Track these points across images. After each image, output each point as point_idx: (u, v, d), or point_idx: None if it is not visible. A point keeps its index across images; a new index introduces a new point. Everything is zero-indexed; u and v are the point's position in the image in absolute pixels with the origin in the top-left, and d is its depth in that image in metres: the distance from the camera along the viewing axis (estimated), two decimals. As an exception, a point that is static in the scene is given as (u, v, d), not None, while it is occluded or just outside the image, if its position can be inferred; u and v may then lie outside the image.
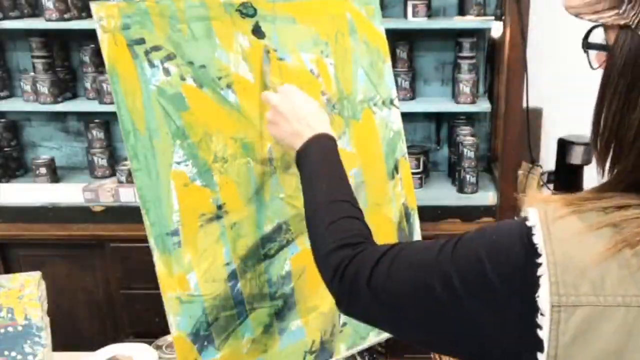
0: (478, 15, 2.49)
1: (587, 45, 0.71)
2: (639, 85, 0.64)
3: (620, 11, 0.65)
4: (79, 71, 2.78)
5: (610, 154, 0.69)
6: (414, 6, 2.46)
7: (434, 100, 2.70)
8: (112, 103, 2.02)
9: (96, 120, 2.73)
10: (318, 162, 1.07)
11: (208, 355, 1.21)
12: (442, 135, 2.87)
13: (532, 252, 0.65)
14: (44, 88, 2.60)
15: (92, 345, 1.61)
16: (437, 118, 2.84)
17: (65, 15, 2.50)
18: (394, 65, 2.55)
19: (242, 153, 1.24)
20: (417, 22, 2.48)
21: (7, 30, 2.62)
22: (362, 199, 1.44)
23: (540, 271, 0.64)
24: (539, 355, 0.63)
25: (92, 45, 2.64)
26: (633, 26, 0.64)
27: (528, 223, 0.67)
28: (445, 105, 2.64)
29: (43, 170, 2.69)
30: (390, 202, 1.49)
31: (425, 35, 2.67)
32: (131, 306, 2.59)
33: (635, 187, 0.67)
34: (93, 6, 1.08)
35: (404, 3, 2.52)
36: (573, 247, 0.64)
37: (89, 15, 2.51)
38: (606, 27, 0.68)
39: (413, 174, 2.55)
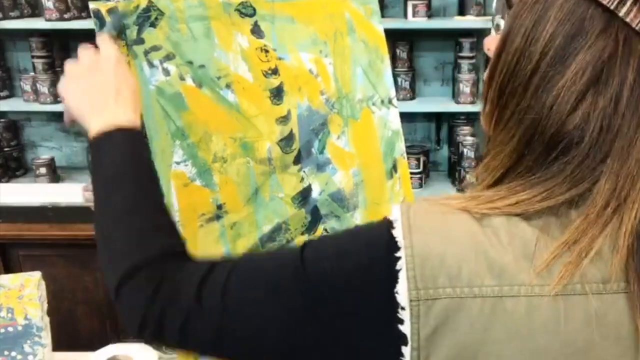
0: (478, 15, 2.50)
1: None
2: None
3: None
4: (79, 71, 2.78)
5: (508, 91, 0.66)
6: (414, 6, 2.46)
7: (434, 100, 2.70)
8: (112, 103, 2.02)
9: (96, 120, 2.73)
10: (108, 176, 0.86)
11: (207, 355, 1.21)
12: (442, 135, 2.87)
13: (392, 246, 0.63)
14: (44, 88, 2.60)
15: (92, 345, 1.61)
16: (437, 118, 2.84)
17: (65, 15, 2.51)
18: (394, 65, 2.55)
19: (242, 153, 1.24)
20: (417, 22, 2.49)
21: (7, 30, 2.63)
22: (361, 198, 1.44)
23: (398, 265, 0.62)
24: (403, 349, 0.62)
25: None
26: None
27: (390, 217, 0.65)
28: (445, 105, 2.64)
29: (43, 170, 2.70)
30: (389, 201, 1.49)
31: (425, 35, 2.67)
32: (131, 306, 2.59)
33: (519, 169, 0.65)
34: (92, 6, 1.08)
35: (404, 3, 2.52)
36: (432, 238, 0.62)
37: (89, 15, 2.51)
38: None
39: (413, 174, 2.57)
